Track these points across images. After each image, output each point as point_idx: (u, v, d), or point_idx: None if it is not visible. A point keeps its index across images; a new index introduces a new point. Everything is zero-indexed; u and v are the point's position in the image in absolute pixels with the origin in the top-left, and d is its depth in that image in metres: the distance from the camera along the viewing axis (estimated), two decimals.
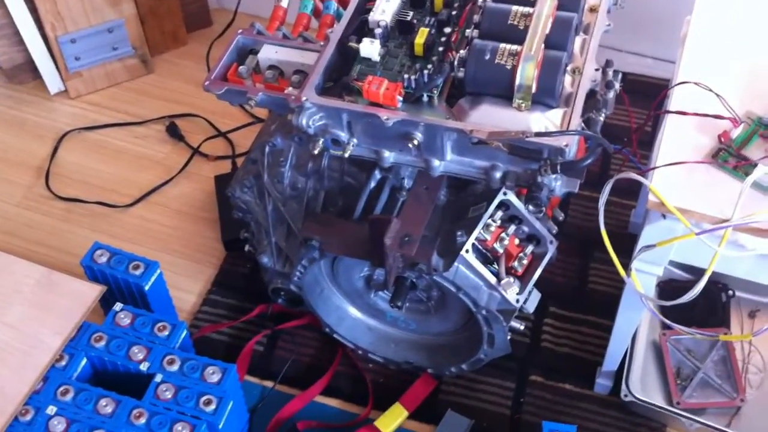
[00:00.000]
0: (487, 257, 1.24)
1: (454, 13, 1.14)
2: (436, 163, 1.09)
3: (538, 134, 0.99)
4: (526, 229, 1.24)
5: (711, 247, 1.01)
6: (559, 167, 1.02)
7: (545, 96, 1.03)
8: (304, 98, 1.05)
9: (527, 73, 1.01)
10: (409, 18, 1.12)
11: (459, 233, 1.20)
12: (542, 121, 1.03)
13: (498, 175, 1.08)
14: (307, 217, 1.28)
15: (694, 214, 1.02)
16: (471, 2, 1.15)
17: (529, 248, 1.25)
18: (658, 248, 1.08)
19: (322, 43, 1.14)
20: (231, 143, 1.85)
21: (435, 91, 1.07)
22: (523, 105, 1.03)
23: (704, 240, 1.00)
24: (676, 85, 1.14)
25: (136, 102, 1.93)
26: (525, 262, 1.25)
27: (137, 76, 1.98)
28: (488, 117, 1.03)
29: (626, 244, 1.22)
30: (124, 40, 1.90)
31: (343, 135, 1.09)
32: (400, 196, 1.27)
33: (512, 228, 1.23)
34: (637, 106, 1.69)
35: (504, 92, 1.03)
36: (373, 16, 1.12)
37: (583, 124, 1.10)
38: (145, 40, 1.94)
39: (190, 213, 1.73)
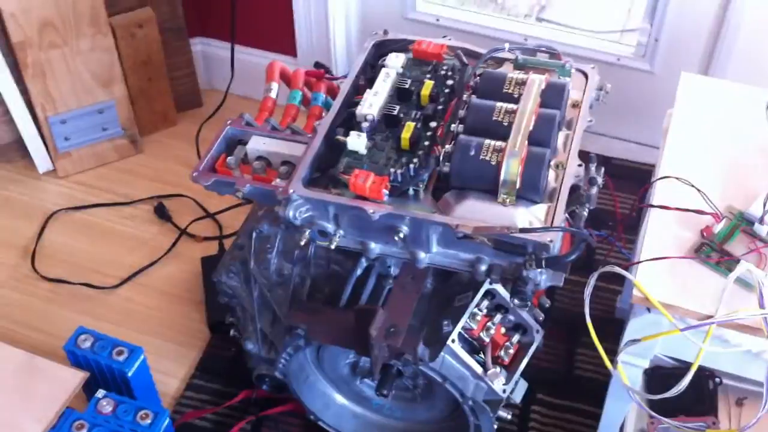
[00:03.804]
0: (474, 346, 1.24)
1: (439, 107, 1.16)
2: (421, 255, 1.10)
3: (523, 230, 1.00)
4: (512, 318, 1.24)
5: (695, 343, 1.01)
6: (543, 262, 1.02)
7: (529, 191, 1.04)
8: (291, 191, 1.06)
9: (511, 169, 1.02)
10: (395, 112, 1.14)
11: (445, 323, 1.20)
12: (527, 216, 1.04)
13: (483, 268, 1.09)
14: (292, 304, 1.28)
15: (679, 309, 1.02)
16: (456, 97, 1.17)
17: (516, 337, 1.25)
18: (643, 342, 1.08)
19: (310, 135, 1.16)
20: (219, 224, 1.85)
21: (421, 185, 1.08)
22: (508, 200, 1.04)
23: (689, 336, 1.00)
24: (658, 179, 1.15)
25: (125, 182, 1.95)
26: (511, 351, 1.25)
27: (126, 156, 1.99)
28: (473, 211, 1.04)
29: (613, 329, 1.22)
30: (114, 120, 1.93)
31: (330, 226, 1.10)
32: (387, 284, 1.27)
33: (498, 317, 1.23)
34: (622, 191, 1.72)
35: (489, 187, 1.04)
36: (361, 109, 1.14)
37: (568, 217, 1.11)
38: (135, 120, 1.97)
39: (176, 295, 1.72)
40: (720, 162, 1.19)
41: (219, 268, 1.38)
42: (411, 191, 1.08)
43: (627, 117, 1.92)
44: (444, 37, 1.28)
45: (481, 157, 1.04)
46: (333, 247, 1.10)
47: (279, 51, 2.03)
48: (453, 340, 1.18)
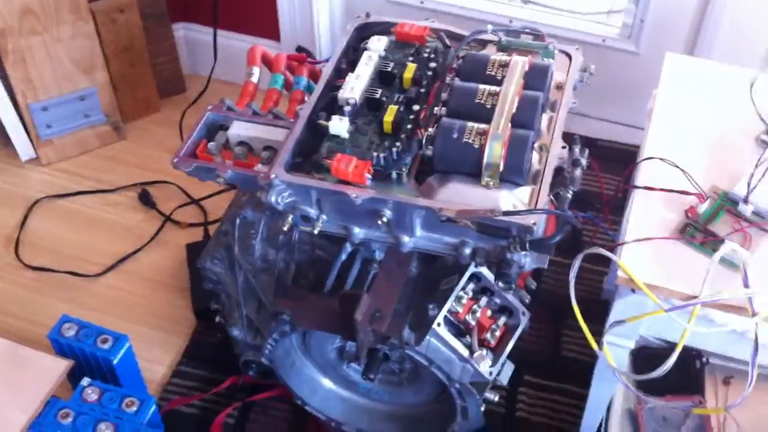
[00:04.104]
0: (460, 329, 1.23)
1: (422, 90, 1.15)
2: (405, 239, 1.09)
3: (507, 213, 1.00)
4: (498, 300, 1.24)
5: (681, 323, 1.01)
6: (528, 244, 1.02)
7: (513, 174, 1.03)
8: (273, 176, 1.05)
9: (495, 152, 1.02)
10: (378, 95, 1.13)
11: (431, 306, 1.20)
12: (510, 199, 1.03)
13: (467, 251, 1.08)
14: (277, 290, 1.27)
15: (664, 290, 1.02)
16: (439, 80, 1.16)
17: (502, 320, 1.25)
18: (629, 323, 1.08)
19: (291, 120, 1.15)
20: (203, 210, 1.84)
21: (404, 169, 1.07)
22: (491, 183, 1.03)
23: (674, 316, 1.00)
24: (642, 160, 1.15)
25: (108, 169, 1.93)
26: (498, 333, 1.25)
27: (109, 143, 1.98)
28: (457, 195, 1.04)
29: (599, 311, 1.22)
30: (97, 107, 1.91)
31: (313, 211, 1.09)
32: (372, 269, 1.26)
33: (484, 300, 1.23)
34: (608, 172, 1.72)
35: (472, 170, 1.04)
36: (343, 93, 1.13)
37: (552, 199, 1.11)
38: (118, 107, 1.95)
39: (162, 282, 1.71)
40: (704, 142, 1.19)
41: (203, 254, 1.37)
42: (394, 175, 1.07)
43: (613, 98, 1.91)
44: (427, 19, 1.27)
45: (464, 140, 1.03)
46: (316, 232, 1.09)
47: (262, 35, 2.01)
48: (438, 324, 1.18)
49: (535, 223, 1.00)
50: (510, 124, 1.04)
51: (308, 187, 1.06)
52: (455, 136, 1.03)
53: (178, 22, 2.06)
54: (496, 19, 1.86)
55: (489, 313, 1.25)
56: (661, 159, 1.14)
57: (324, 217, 1.09)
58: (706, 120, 1.22)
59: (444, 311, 1.19)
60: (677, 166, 1.12)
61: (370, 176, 1.05)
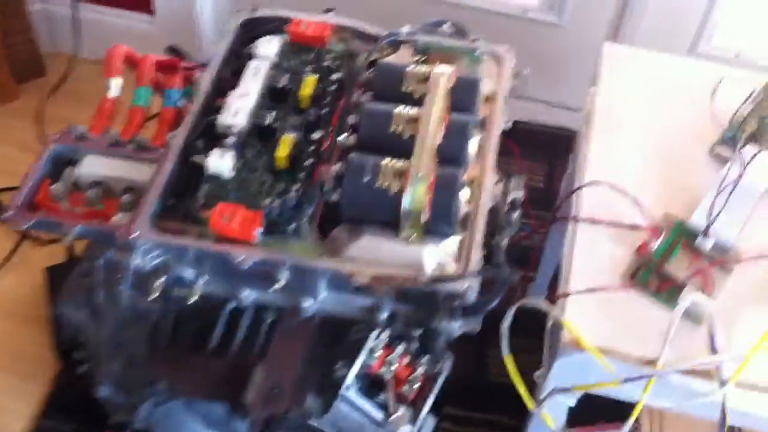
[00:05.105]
0: (372, 382, 1.05)
1: (324, 111, 0.92)
2: (306, 303, 0.88)
3: (435, 279, 0.80)
4: (416, 345, 1.06)
5: (636, 394, 0.86)
6: (459, 311, 0.83)
7: (440, 224, 0.83)
8: (134, 233, 0.82)
9: (416, 199, 0.81)
10: (268, 121, 0.90)
11: (338, 365, 1.01)
12: (436, 254, 0.83)
13: (383, 316, 0.88)
14: (151, 352, 1.05)
15: (616, 353, 0.86)
16: (345, 96, 0.94)
17: (421, 368, 1.07)
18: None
19: (161, 150, 0.91)
20: None
21: (304, 220, 0.85)
22: (413, 236, 0.83)
23: (630, 386, 0.85)
24: (583, 186, 0.98)
25: None
26: (416, 385, 1.07)
27: None
28: (371, 251, 0.83)
29: (525, 320, 1.05)
30: None
31: (190, 272, 0.86)
32: (267, 317, 1.06)
33: (401, 347, 1.05)
34: (527, 158, 1.55)
35: (389, 219, 0.83)
36: (224, 119, 0.89)
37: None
38: None
39: (17, 313, 1.46)
40: (653, 155, 1.03)
41: (60, 299, 1.14)
42: (292, 227, 0.85)
43: (535, 76, 1.73)
44: (327, 11, 1.04)
45: (377, 183, 0.82)
46: (194, 299, 0.86)
47: (132, 8, 1.74)
48: (348, 387, 0.99)
49: (469, 287, 0.81)
50: (435, 160, 0.84)
51: (182, 248, 0.83)
52: (366, 179, 0.82)
53: None
54: None
55: (407, 360, 1.07)
56: (610, 185, 0.97)
57: (205, 278, 0.87)
58: (653, 126, 1.07)
59: (354, 370, 1.00)
60: (626, 193, 0.96)
61: (261, 230, 0.83)
